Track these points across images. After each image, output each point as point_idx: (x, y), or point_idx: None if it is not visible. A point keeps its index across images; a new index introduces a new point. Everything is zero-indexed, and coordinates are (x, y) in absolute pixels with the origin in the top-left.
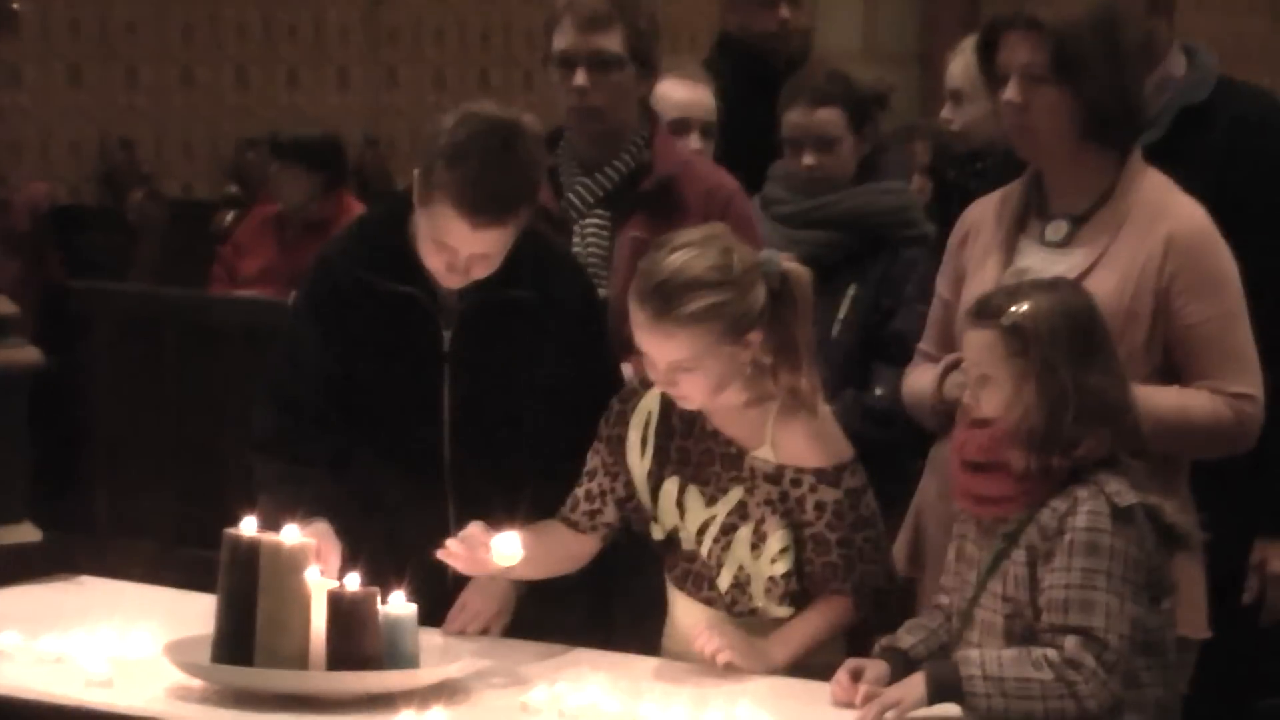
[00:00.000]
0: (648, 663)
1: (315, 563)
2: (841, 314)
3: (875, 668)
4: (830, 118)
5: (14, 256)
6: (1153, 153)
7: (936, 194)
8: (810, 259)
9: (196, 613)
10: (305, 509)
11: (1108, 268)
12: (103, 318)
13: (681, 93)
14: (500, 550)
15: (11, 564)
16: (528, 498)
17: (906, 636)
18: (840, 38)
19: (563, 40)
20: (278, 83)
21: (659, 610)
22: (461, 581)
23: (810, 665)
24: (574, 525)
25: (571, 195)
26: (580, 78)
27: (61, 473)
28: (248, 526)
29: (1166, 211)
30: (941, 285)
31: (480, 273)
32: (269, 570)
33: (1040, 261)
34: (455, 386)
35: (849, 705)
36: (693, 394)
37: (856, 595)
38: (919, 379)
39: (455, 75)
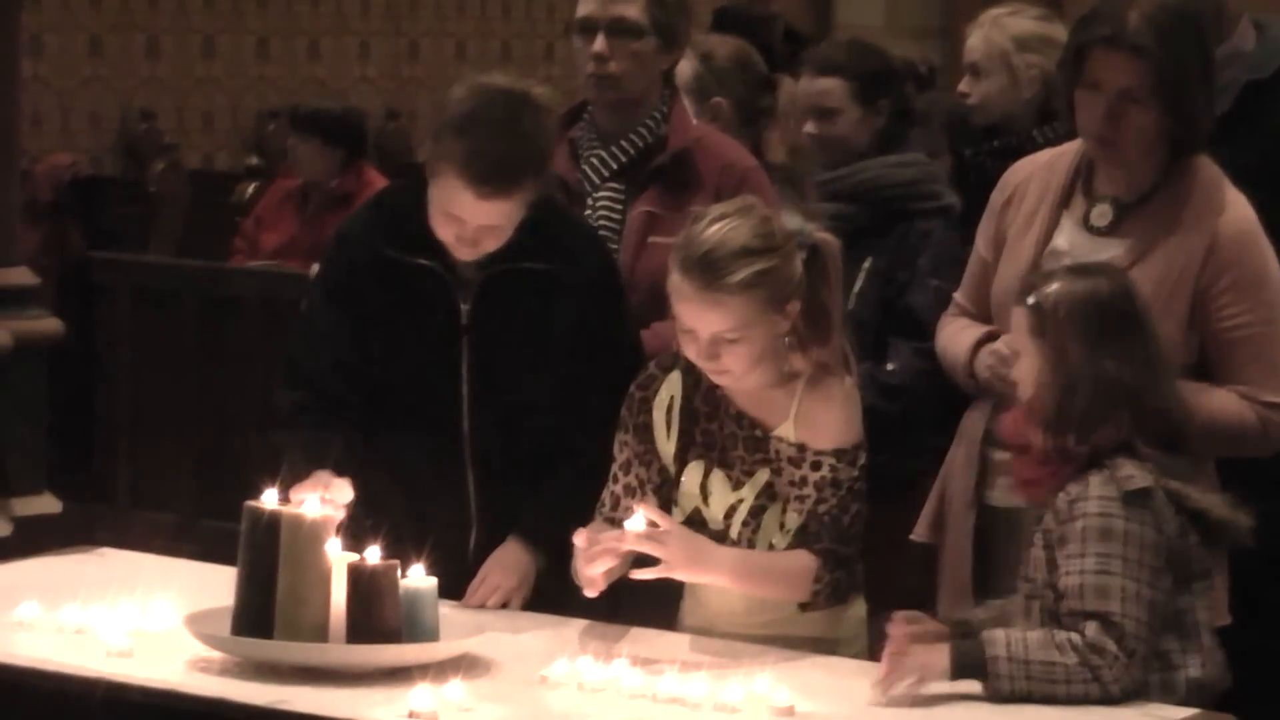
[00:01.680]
0: (666, 637)
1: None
2: (857, 287)
3: (932, 626)
4: (829, 87)
5: (35, 228)
6: (1216, 127)
7: (954, 170)
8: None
9: (216, 585)
10: (325, 468)
11: (1151, 261)
12: (123, 289)
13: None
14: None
15: (32, 535)
16: (549, 469)
17: (979, 611)
18: (862, 13)
19: (585, 7)
20: (299, 54)
21: (670, 584)
22: (481, 555)
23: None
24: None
25: (586, 167)
26: (599, 44)
27: (82, 444)
28: (269, 498)
29: (1214, 208)
30: (981, 242)
31: (490, 245)
32: (290, 543)
33: (1080, 245)
34: (474, 359)
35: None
36: (735, 366)
37: (823, 559)
38: (954, 338)
39: (477, 48)
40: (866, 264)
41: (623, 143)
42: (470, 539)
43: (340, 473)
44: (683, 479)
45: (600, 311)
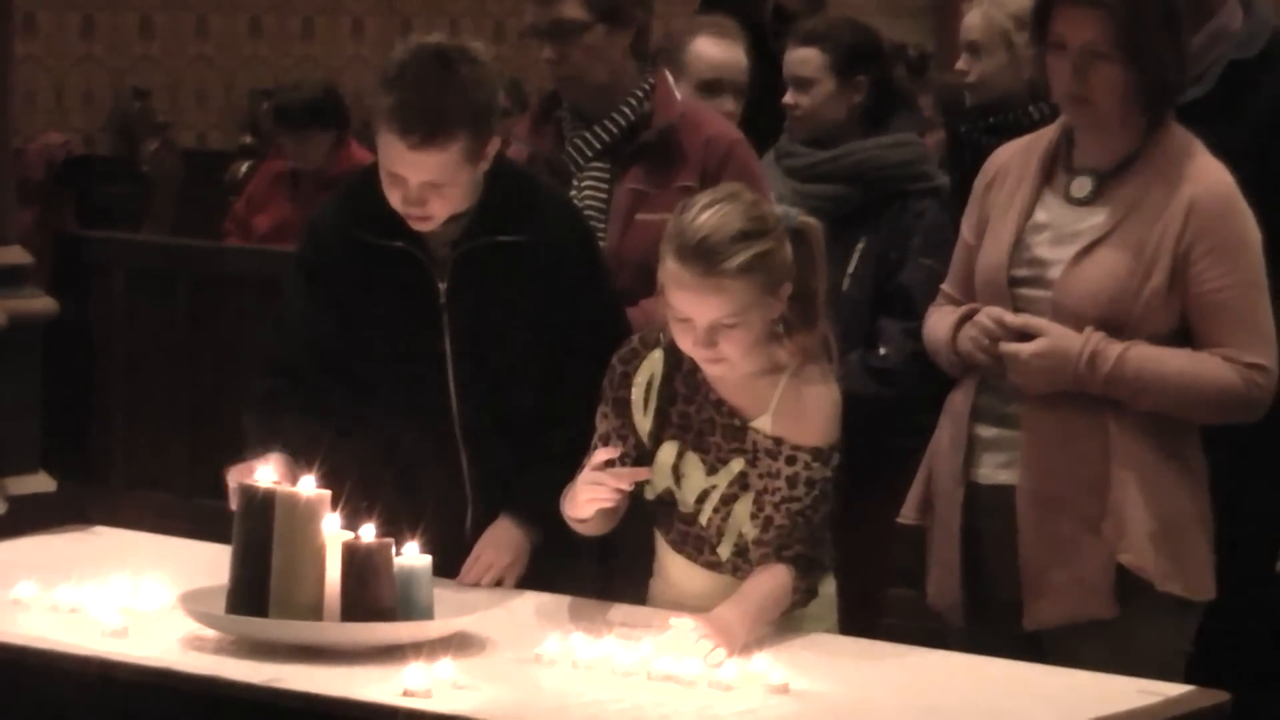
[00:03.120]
0: (660, 615)
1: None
2: (851, 268)
3: None
4: (806, 57)
5: (29, 207)
6: (1199, 107)
7: (949, 147)
8: (819, 212)
9: (210, 563)
10: (279, 448)
11: (1129, 228)
12: (116, 268)
13: (715, 52)
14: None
15: (26, 514)
16: (539, 442)
17: None
18: None
19: (528, 13)
20: (292, 33)
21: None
22: (478, 532)
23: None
24: None
25: (571, 148)
26: (548, 51)
27: (75, 423)
28: (263, 476)
29: (1191, 174)
30: (965, 228)
31: (438, 210)
32: (284, 521)
33: (1062, 217)
34: (456, 336)
35: None
36: (732, 353)
37: (795, 566)
38: (939, 323)
39: (470, 26)
40: (861, 245)
41: (606, 122)
42: (467, 517)
43: (294, 454)
44: (657, 457)
45: (578, 280)
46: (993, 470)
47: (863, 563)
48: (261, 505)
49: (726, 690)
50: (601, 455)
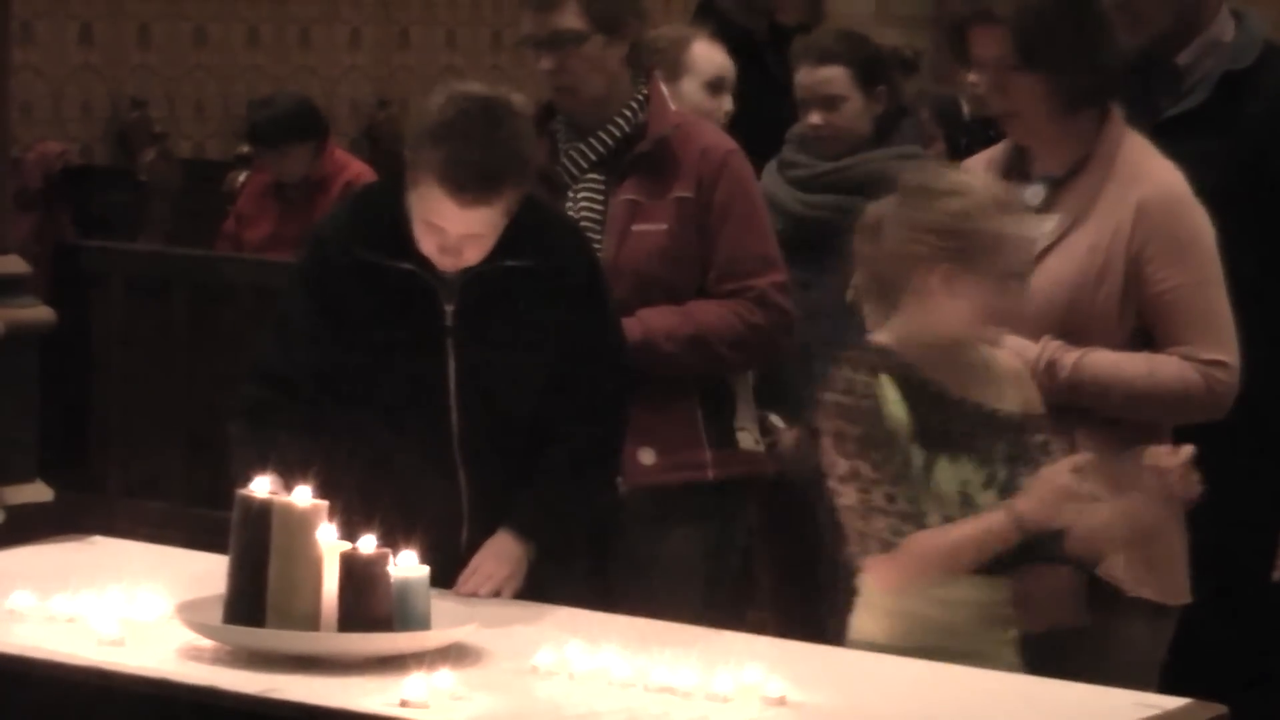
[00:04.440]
0: (656, 626)
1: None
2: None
3: None
4: (833, 75)
5: (26, 216)
6: (1193, 118)
7: (949, 159)
8: (826, 222)
9: (207, 573)
10: (272, 467)
11: (1081, 233)
12: (114, 277)
13: (717, 54)
14: None
15: (23, 523)
16: (539, 458)
17: None
18: (852, 1)
19: (525, 24)
20: (290, 43)
21: (656, 571)
22: (472, 550)
23: None
24: None
25: (566, 160)
26: (544, 61)
27: (71, 432)
28: (259, 487)
29: (1141, 176)
30: None
31: (473, 255)
32: (281, 531)
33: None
34: (460, 359)
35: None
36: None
37: None
38: None
39: (468, 36)
40: None
41: (600, 134)
42: (462, 535)
43: (287, 474)
44: (935, 480)
45: (585, 305)
46: None
47: None
48: (258, 515)
49: (724, 702)
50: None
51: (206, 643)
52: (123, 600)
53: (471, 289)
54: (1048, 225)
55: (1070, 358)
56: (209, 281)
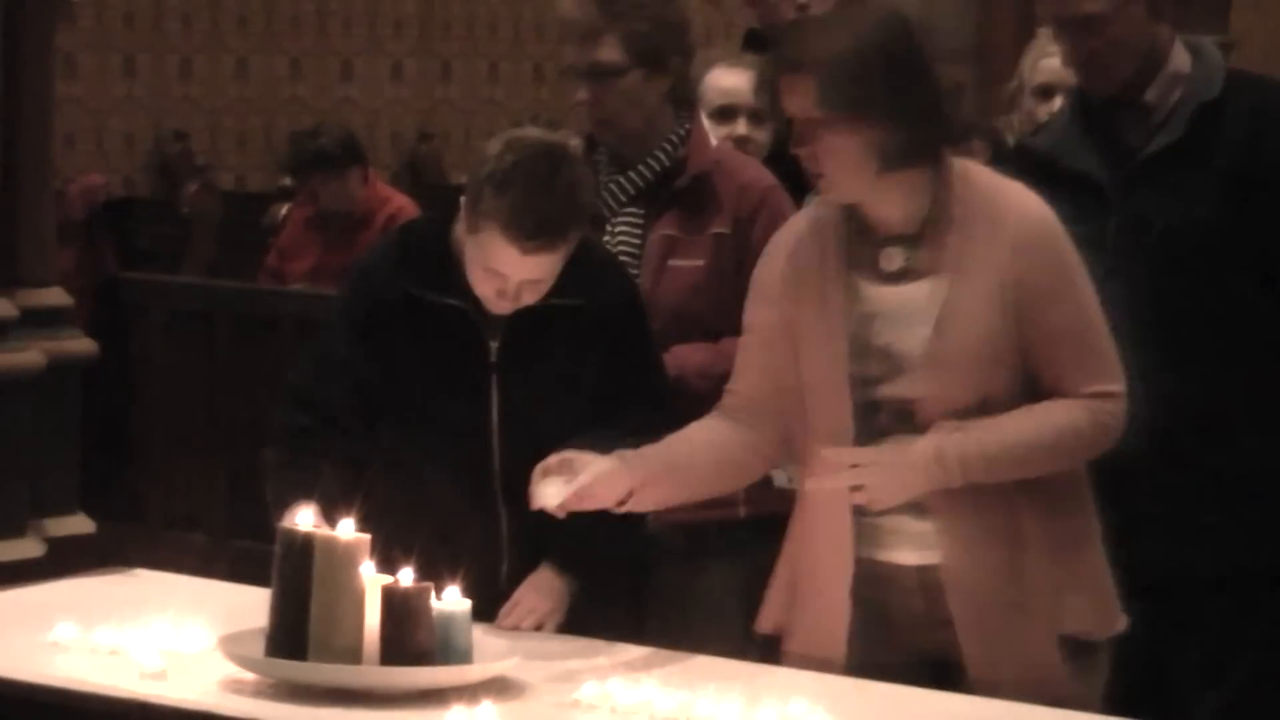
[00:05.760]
0: (698, 660)
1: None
2: None
3: None
4: None
5: (69, 248)
6: (1170, 153)
7: None
8: None
9: (249, 606)
10: (316, 499)
11: (966, 289)
12: (156, 309)
13: (726, 79)
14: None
15: (65, 555)
16: None
17: None
18: None
19: (568, 54)
20: (332, 75)
21: (692, 605)
22: (515, 578)
23: None
24: None
25: (605, 194)
26: (583, 92)
27: (113, 464)
28: (303, 520)
29: (1002, 213)
30: (759, 323)
31: (530, 298)
32: (323, 564)
33: (889, 298)
34: (504, 396)
35: None
36: None
37: None
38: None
39: (509, 69)
40: None
41: (640, 168)
42: (502, 569)
43: (327, 507)
44: None
45: (629, 345)
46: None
47: None
48: (301, 549)
49: None
50: None
51: (248, 675)
52: (165, 632)
53: (517, 326)
54: (923, 290)
55: (952, 442)
56: (251, 313)
